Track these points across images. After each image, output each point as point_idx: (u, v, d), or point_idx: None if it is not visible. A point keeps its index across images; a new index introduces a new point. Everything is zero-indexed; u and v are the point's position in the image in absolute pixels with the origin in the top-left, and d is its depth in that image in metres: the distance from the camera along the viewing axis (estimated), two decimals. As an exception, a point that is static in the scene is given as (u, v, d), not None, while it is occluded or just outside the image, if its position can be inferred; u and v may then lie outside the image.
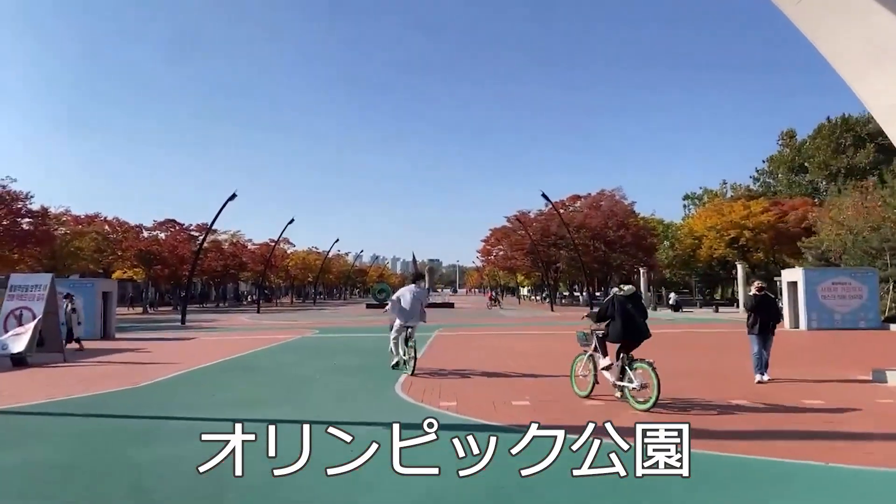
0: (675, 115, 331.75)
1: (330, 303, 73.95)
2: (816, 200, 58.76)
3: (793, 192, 63.75)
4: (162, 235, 50.95)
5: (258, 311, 42.19)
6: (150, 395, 9.11)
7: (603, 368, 8.08)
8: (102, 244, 44.86)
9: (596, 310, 8.67)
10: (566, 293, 69.85)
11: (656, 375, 7.10)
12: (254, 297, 48.52)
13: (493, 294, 60.58)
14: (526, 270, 66.25)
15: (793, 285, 21.86)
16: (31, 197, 33.18)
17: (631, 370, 7.55)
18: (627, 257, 55.48)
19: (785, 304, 22.11)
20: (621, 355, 7.72)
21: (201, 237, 55.02)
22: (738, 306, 38.97)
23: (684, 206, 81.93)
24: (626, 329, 7.70)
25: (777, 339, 10.09)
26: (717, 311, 40.13)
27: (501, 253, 66.06)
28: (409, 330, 11.06)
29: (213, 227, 58.80)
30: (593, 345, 8.33)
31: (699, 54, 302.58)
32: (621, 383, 7.70)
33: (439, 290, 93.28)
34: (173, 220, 51.71)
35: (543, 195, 31.75)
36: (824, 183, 64.46)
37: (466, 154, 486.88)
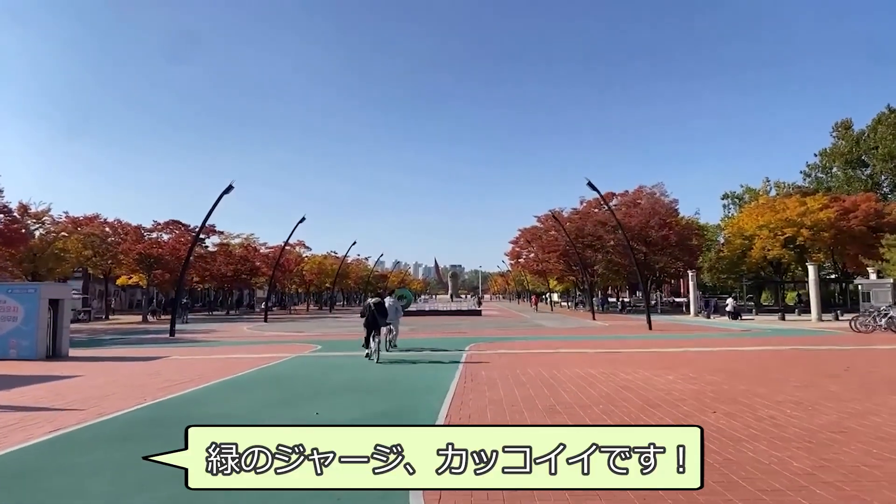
0: (706, 115, 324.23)
1: (348, 309, 69.71)
2: (879, 195, 53.12)
3: (851, 188, 57.86)
4: (165, 237, 46.98)
5: (265, 320, 37.92)
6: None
7: (364, 345, 14.95)
8: (100, 247, 41.11)
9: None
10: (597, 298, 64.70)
11: (377, 347, 14.28)
12: (269, 303, 44.37)
13: (537, 298, 71.27)
14: (559, 274, 61.35)
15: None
16: (1, 191, 29.25)
17: (374, 342, 14.36)
18: (672, 259, 50.40)
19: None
20: (371, 333, 14.45)
21: (208, 239, 51.19)
22: (809, 313, 33.62)
23: (724, 205, 76.68)
24: (369, 323, 14.58)
25: None
26: (783, 318, 34.99)
27: (532, 255, 61.23)
28: (388, 328, 16.53)
29: (222, 230, 55.88)
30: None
31: (725, 55, 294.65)
32: (372, 349, 14.38)
33: (463, 296, 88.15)
34: (177, 221, 47.63)
35: (590, 184, 26.92)
36: (885, 177, 58.66)
37: (489, 159, 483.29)
